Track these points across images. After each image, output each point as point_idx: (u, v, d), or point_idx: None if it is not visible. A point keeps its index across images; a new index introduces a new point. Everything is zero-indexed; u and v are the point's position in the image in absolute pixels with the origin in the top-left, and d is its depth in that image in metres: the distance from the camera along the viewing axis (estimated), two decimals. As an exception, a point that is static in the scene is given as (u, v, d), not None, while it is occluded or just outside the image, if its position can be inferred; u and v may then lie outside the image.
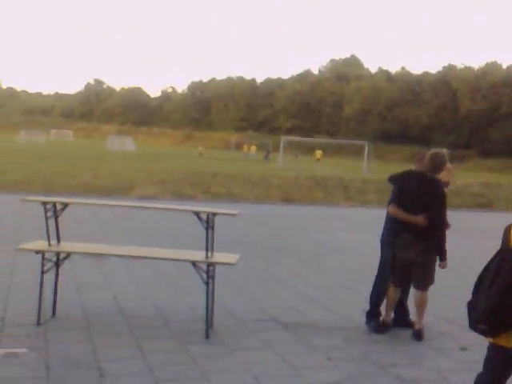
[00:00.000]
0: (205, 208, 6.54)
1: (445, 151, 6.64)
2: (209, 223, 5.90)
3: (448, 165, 6.91)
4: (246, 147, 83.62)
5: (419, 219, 6.36)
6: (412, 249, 6.44)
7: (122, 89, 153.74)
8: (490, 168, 68.49)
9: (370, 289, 6.85)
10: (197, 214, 5.90)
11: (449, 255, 6.52)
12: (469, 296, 4.34)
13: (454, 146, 66.48)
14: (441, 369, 5.57)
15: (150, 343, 5.68)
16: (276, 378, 5.05)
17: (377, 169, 50.58)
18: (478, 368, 5.59)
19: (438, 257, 6.49)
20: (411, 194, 6.44)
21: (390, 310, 6.71)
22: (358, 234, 14.25)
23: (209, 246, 5.97)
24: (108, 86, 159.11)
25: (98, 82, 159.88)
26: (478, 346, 6.29)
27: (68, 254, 6.41)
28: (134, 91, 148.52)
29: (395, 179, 6.71)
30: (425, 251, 6.47)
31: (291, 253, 11.33)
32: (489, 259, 3.66)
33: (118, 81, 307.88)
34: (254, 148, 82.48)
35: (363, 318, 6.89)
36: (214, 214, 5.96)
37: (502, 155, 73.40)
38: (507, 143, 74.06)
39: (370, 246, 12.17)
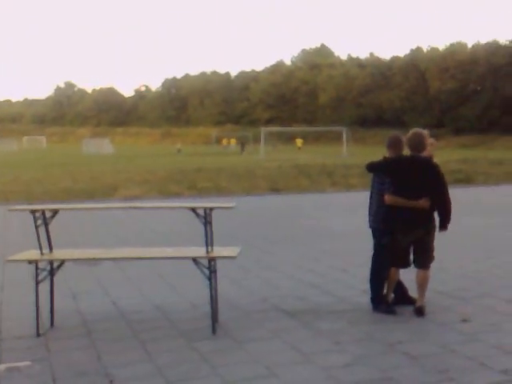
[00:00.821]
0: (201, 203, 6.48)
1: (423, 130, 6.67)
2: (206, 218, 5.84)
3: (430, 139, 6.91)
4: (225, 141, 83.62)
5: (422, 203, 6.35)
6: (413, 231, 6.45)
7: (94, 90, 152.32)
8: (464, 145, 69.20)
9: (366, 270, 6.84)
10: (193, 210, 5.85)
11: (437, 232, 6.58)
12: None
13: (427, 126, 66.71)
14: (446, 342, 5.58)
15: (155, 345, 5.63)
16: (288, 366, 5.03)
17: (357, 153, 50.77)
18: (482, 338, 5.66)
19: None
20: (409, 179, 6.39)
21: (391, 291, 6.72)
22: (348, 218, 14.27)
23: (208, 241, 5.91)
24: (79, 89, 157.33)
25: (69, 85, 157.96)
26: (478, 317, 6.38)
27: (62, 262, 6.31)
28: (107, 92, 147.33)
29: (384, 167, 6.63)
30: (427, 232, 6.49)
31: (285, 241, 11.31)
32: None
33: (89, 82, 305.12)
34: (233, 141, 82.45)
35: (364, 299, 6.94)
36: (211, 209, 5.91)
37: (474, 132, 74.34)
38: (478, 119, 74.88)
39: (361, 229, 12.21)
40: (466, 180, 23.71)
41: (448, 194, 6.54)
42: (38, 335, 5.93)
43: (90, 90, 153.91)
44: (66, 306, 6.93)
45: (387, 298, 6.68)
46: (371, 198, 6.80)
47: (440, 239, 6.74)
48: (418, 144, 6.48)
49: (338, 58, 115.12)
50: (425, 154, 6.64)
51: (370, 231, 6.84)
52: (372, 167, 6.71)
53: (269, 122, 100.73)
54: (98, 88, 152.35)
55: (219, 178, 25.22)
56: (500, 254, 9.83)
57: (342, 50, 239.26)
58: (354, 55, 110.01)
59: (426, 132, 6.65)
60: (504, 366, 4.94)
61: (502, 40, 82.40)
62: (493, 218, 13.66)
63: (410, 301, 6.72)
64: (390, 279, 6.63)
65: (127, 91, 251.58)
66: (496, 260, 9.28)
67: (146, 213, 14.98)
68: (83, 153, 67.85)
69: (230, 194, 19.45)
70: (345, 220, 13.90)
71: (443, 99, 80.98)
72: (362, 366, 5.06)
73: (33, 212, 6.19)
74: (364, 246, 10.30)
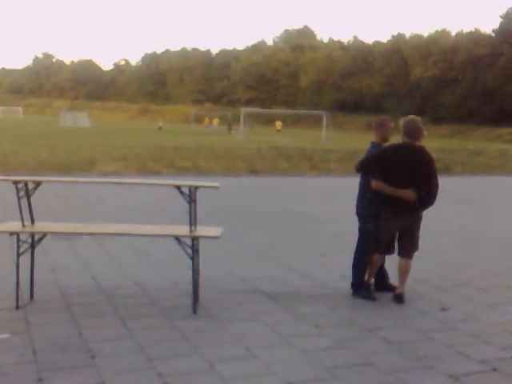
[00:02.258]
0: (186, 182, 6.44)
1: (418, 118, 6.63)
2: (191, 197, 5.82)
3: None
4: (207, 120, 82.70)
5: (408, 194, 6.32)
6: (400, 219, 6.45)
7: (73, 62, 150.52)
8: (443, 135, 69.58)
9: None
10: (178, 187, 5.81)
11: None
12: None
13: (407, 114, 66.84)
14: (425, 329, 5.66)
15: (136, 322, 5.61)
16: (268, 348, 5.06)
17: (335, 138, 50.94)
18: (460, 327, 5.74)
19: None
20: (401, 168, 6.31)
21: (372, 277, 6.76)
22: (327, 202, 14.32)
23: (192, 220, 5.90)
24: (57, 60, 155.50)
25: (47, 56, 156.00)
26: (458, 305, 6.47)
27: (43, 235, 6.25)
28: (85, 64, 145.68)
29: (382, 157, 6.48)
30: (412, 221, 6.52)
31: (264, 224, 11.34)
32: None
33: (68, 54, 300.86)
34: (216, 121, 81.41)
35: (343, 284, 7.00)
36: (196, 188, 5.88)
37: (453, 121, 74.68)
38: (456, 108, 75.26)
39: (340, 213, 12.32)
40: (445, 169, 23.90)
41: (437, 178, 6.51)
42: (18, 308, 5.88)
43: (68, 62, 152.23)
44: (46, 279, 6.86)
45: (368, 284, 6.73)
46: (360, 183, 6.76)
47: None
48: (416, 132, 6.41)
49: (321, 40, 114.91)
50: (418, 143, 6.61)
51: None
52: (363, 165, 6.54)
53: (248, 102, 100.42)
54: (76, 60, 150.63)
55: (198, 158, 25.12)
56: (475, 244, 9.96)
57: (325, 33, 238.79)
58: (336, 38, 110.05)
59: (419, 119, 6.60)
60: (482, 356, 5.01)
61: (485, 29, 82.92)
62: (470, 208, 13.83)
63: (389, 288, 6.77)
64: (372, 265, 6.66)
65: (106, 65, 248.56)
66: (472, 249, 9.40)
67: (125, 190, 14.87)
68: (60, 125, 67.07)
69: (209, 174, 19.38)
70: (324, 204, 13.95)
71: (424, 86, 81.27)
72: (341, 349, 5.12)
73: (15, 183, 6.09)
74: (343, 230, 10.42)
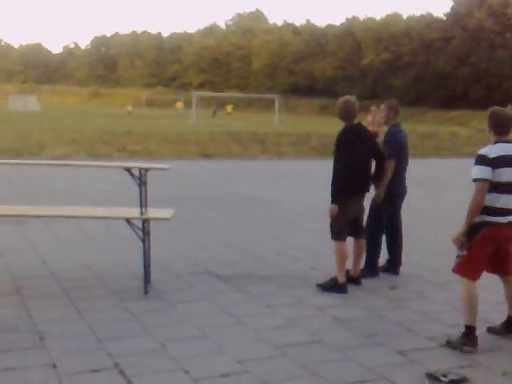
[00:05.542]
0: (137, 164, 6.40)
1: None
2: (141, 179, 5.78)
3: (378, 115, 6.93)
4: (179, 104, 78.23)
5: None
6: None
7: (21, 46, 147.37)
8: (394, 117, 70.19)
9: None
10: (128, 170, 5.77)
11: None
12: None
13: (359, 97, 67.45)
14: (375, 307, 5.77)
15: (86, 303, 5.58)
16: (219, 328, 5.08)
17: (288, 121, 51.06)
18: (409, 305, 5.87)
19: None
20: (367, 146, 6.38)
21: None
22: (279, 185, 14.38)
23: (143, 202, 5.87)
24: (6, 43, 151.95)
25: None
26: (407, 284, 6.62)
27: (-10, 218, 6.15)
28: (34, 48, 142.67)
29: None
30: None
31: (216, 207, 11.34)
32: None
33: (17, 37, 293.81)
34: (179, 104, 77.71)
35: (294, 266, 7.16)
36: (147, 170, 5.85)
37: (404, 105, 74.81)
38: (408, 92, 76.01)
39: (291, 196, 12.41)
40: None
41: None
42: (-35, 291, 5.78)
43: (16, 46, 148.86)
44: (-6, 263, 6.76)
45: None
46: None
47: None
48: (350, 112, 6.40)
49: (274, 24, 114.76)
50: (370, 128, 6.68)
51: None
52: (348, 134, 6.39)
53: (201, 86, 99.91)
54: (25, 44, 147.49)
55: (149, 142, 24.90)
56: (425, 225, 10.17)
57: (278, 17, 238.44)
58: (289, 21, 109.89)
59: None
60: (430, 333, 5.13)
61: (437, 13, 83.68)
62: (420, 190, 14.08)
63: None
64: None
65: (55, 48, 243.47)
66: (421, 231, 9.59)
67: (75, 173, 14.68)
68: (9, 109, 65.49)
69: (161, 158, 19.19)
70: (276, 187, 14.00)
71: (376, 70, 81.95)
72: (292, 328, 5.18)
73: (-40, 165, 5.98)
74: (294, 213, 10.50)
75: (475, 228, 4.74)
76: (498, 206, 4.71)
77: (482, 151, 4.76)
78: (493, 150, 4.74)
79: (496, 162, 4.67)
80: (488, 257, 4.85)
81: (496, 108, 4.97)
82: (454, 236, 4.78)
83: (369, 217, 6.80)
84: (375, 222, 6.82)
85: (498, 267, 4.98)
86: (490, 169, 4.65)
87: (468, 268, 4.81)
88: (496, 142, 4.80)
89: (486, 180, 4.66)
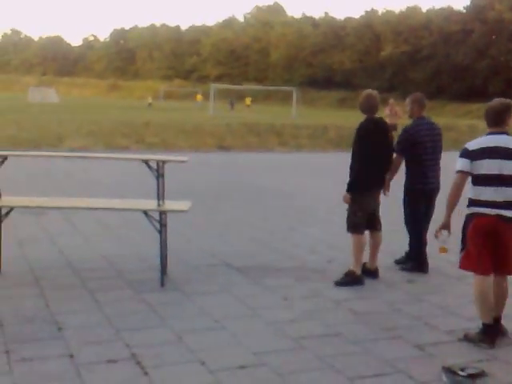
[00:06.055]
0: (154, 156, 6.41)
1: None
2: (159, 171, 5.79)
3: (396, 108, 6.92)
4: (199, 96, 78.18)
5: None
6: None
7: (41, 38, 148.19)
8: (414, 110, 69.83)
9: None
10: (146, 162, 5.78)
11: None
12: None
13: (378, 90, 67.06)
14: (392, 301, 5.74)
15: (104, 295, 5.60)
16: (236, 320, 5.09)
17: (306, 114, 50.91)
18: (427, 298, 5.83)
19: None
20: (386, 140, 6.45)
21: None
22: (296, 178, 14.35)
23: (160, 195, 5.87)
24: (26, 36, 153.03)
25: (15, 32, 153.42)
26: (423, 278, 6.57)
27: (10, 209, 6.18)
28: (54, 40, 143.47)
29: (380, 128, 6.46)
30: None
31: (233, 199, 11.35)
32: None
33: (36, 30, 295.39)
34: (199, 97, 77.03)
35: (311, 257, 7.16)
36: (164, 162, 5.86)
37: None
38: (427, 85, 75.40)
39: (309, 188, 12.37)
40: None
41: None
42: (-16, 281, 5.83)
43: (36, 38, 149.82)
44: (13, 253, 6.80)
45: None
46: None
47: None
48: (373, 106, 6.45)
49: (292, 16, 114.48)
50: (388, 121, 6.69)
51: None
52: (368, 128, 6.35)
53: (218, 78, 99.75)
54: (44, 36, 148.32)
55: (167, 134, 24.95)
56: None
57: (296, 9, 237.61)
58: (308, 14, 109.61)
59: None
60: (448, 326, 5.10)
61: (456, 6, 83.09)
62: (442, 183, 13.97)
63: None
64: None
65: (75, 41, 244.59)
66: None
67: (94, 165, 14.75)
68: (29, 101, 65.88)
69: (178, 150, 19.25)
70: (294, 180, 13.96)
71: (395, 62, 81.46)
72: (308, 321, 5.16)
73: (-18, 156, 6.01)
74: (311, 205, 10.47)
75: (467, 220, 4.82)
76: (483, 198, 4.70)
77: (467, 144, 4.80)
78: (476, 142, 4.76)
79: (474, 155, 4.68)
80: (487, 250, 4.77)
81: (492, 101, 4.91)
82: (437, 228, 4.86)
83: (404, 213, 6.92)
84: (406, 217, 6.90)
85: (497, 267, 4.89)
86: (468, 161, 4.68)
87: (470, 261, 4.82)
88: (488, 134, 4.79)
89: (462, 172, 4.71)
